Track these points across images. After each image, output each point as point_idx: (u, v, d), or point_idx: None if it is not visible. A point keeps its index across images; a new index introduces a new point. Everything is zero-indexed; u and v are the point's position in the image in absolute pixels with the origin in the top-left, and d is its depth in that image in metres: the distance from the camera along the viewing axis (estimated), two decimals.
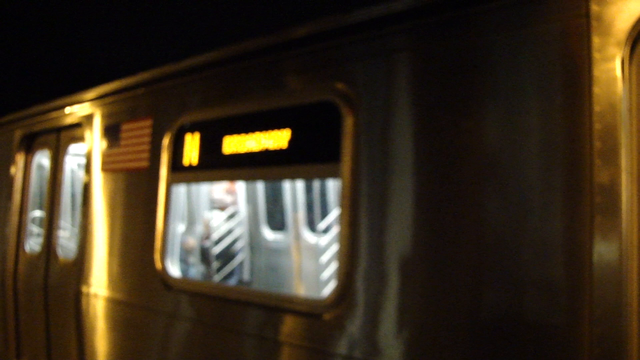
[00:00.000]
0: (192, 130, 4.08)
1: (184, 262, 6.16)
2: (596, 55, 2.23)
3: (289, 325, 3.26)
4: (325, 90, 3.21)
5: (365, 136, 2.99)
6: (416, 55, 2.88)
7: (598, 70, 2.22)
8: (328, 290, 3.17)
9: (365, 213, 2.94)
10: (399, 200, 2.82)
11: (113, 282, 4.67)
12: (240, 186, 7.19)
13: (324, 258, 6.18)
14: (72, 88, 5.89)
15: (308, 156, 3.35)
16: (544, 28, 2.41)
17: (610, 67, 2.19)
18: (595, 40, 2.24)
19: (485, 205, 2.52)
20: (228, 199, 6.87)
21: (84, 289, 4.96)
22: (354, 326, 2.91)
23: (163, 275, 4.09)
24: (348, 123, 3.05)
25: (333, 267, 6.07)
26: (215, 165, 3.91)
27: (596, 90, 2.21)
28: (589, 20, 2.27)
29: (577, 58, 2.30)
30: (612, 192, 2.15)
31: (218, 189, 6.82)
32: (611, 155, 2.16)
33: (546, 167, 2.36)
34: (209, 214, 6.89)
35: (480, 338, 2.49)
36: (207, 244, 6.71)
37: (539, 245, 2.34)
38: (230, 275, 6.81)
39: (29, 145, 6.54)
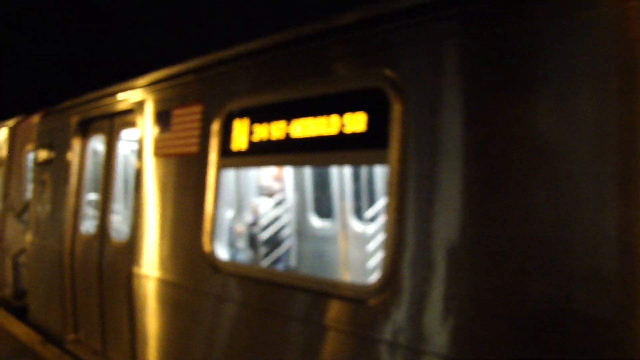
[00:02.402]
0: (240, 116, 4.13)
1: (232, 247, 6.26)
2: None
3: (334, 309, 3.28)
4: (374, 77, 3.19)
5: (413, 123, 2.96)
6: (465, 41, 2.83)
7: None
8: (374, 278, 3.17)
9: (413, 200, 2.92)
10: (446, 187, 2.78)
11: (163, 264, 4.80)
12: (288, 174, 7.25)
13: (371, 246, 6.18)
14: (127, 75, 6.06)
15: (355, 142, 3.34)
16: (599, 12, 2.33)
17: None
18: None
19: (536, 194, 2.47)
20: (276, 185, 6.93)
21: (135, 269, 5.11)
22: (399, 313, 2.91)
23: (211, 257, 4.18)
24: (396, 110, 3.02)
25: (379, 255, 6.07)
26: (263, 150, 3.95)
27: None
28: None
29: (633, 43, 2.22)
30: None
31: (266, 176, 6.89)
32: None
33: (599, 156, 2.29)
34: (257, 201, 6.97)
35: (527, 330, 2.45)
36: (255, 230, 6.80)
37: (591, 236, 2.28)
38: (277, 261, 6.88)
39: (85, 131, 6.75)
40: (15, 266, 9.15)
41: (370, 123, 3.26)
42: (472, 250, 2.67)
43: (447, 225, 2.77)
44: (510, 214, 2.54)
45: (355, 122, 3.32)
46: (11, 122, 9.90)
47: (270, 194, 6.93)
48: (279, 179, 6.99)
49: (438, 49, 2.91)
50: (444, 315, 2.74)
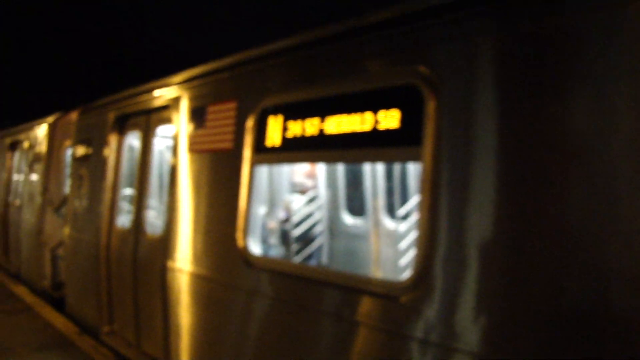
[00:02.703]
0: (275, 112, 4.15)
1: (264, 243, 6.30)
2: None
3: (366, 306, 3.28)
4: (408, 74, 3.18)
5: (447, 120, 2.94)
6: (501, 37, 2.80)
7: None
8: (406, 275, 3.16)
9: (446, 197, 2.90)
10: (480, 185, 2.76)
11: (196, 258, 4.86)
12: (320, 171, 7.26)
13: (403, 245, 6.15)
14: (162, 73, 6.15)
15: (389, 139, 3.33)
16: None
17: None
18: None
19: (572, 193, 2.43)
20: (308, 182, 6.95)
21: (169, 263, 5.19)
22: (431, 310, 2.89)
23: (244, 252, 4.22)
24: (430, 106, 3.01)
25: (411, 254, 6.04)
26: (297, 147, 3.97)
27: None
28: None
29: None
30: None
31: (299, 173, 6.92)
32: None
33: (638, 154, 2.25)
34: (290, 197, 7.01)
35: (561, 330, 2.41)
36: (287, 226, 6.83)
37: (628, 235, 2.23)
38: (308, 258, 6.90)
39: (121, 127, 6.88)
40: (54, 259, 9.39)
41: (404, 120, 3.25)
42: (505, 248, 2.64)
43: (480, 222, 2.74)
44: (545, 212, 2.50)
45: (389, 118, 3.32)
46: (50, 119, 10.14)
47: (302, 191, 6.95)
48: (311, 176, 7.01)
49: (473, 46, 2.89)
50: (477, 314, 2.72)
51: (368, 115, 3.43)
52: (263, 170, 4.47)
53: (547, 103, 2.53)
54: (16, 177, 12.04)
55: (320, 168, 7.22)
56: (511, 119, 2.69)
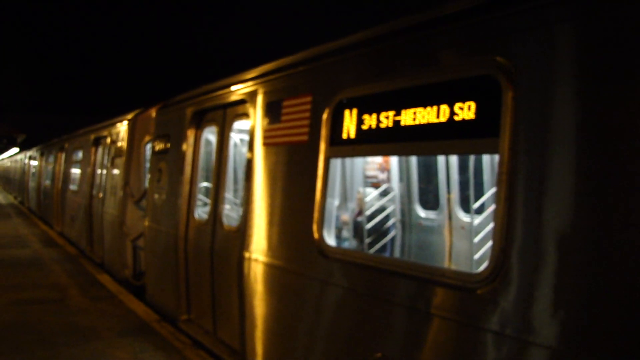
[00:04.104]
0: (350, 105, 4.18)
1: (338, 235, 6.36)
2: None
3: (441, 298, 3.27)
4: (485, 64, 3.13)
5: (525, 110, 2.88)
6: (580, 25, 2.71)
7: None
8: (483, 268, 3.12)
9: (523, 189, 2.85)
10: (558, 176, 2.69)
11: (272, 249, 4.97)
12: (393, 164, 7.25)
13: (477, 239, 6.06)
14: (238, 68, 6.31)
15: (465, 131, 3.30)
16: None
17: None
18: None
19: None
20: (381, 176, 6.96)
21: (246, 254, 5.32)
22: (508, 303, 2.85)
23: (320, 244, 4.27)
24: (508, 97, 2.96)
25: (485, 248, 5.93)
26: (372, 139, 3.98)
27: None
28: None
29: None
30: None
31: (372, 166, 6.93)
32: None
33: None
34: (363, 190, 7.04)
35: None
36: (360, 219, 6.87)
37: None
38: (381, 251, 6.92)
39: (199, 122, 7.10)
40: (135, 249, 9.81)
41: (480, 111, 3.21)
42: (585, 240, 2.57)
43: (558, 215, 2.68)
44: (625, 205, 2.41)
45: (465, 110, 3.28)
46: (130, 115, 10.57)
47: (375, 184, 6.97)
48: (384, 169, 7.01)
49: (551, 35, 2.81)
50: (554, 307, 2.66)
51: (444, 107, 3.40)
52: (337, 163, 4.50)
53: (631, 93, 2.43)
54: (99, 171, 12.63)
55: (393, 161, 7.20)
56: (591, 110, 2.61)
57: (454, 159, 6.65)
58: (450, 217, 6.66)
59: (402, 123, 3.70)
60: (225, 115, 6.43)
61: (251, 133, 5.45)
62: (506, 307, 2.86)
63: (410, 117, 3.63)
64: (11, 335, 6.86)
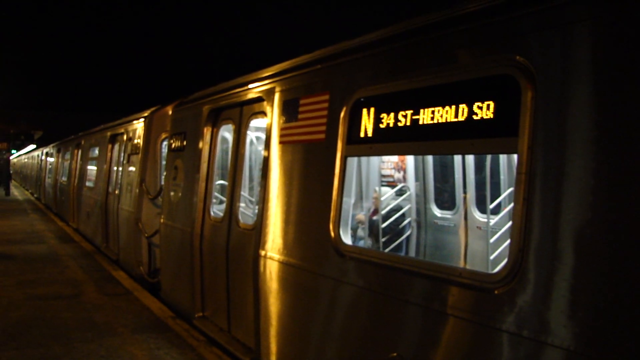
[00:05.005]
0: (367, 104, 4.16)
1: (353, 234, 6.34)
2: None
3: (457, 297, 3.25)
4: (504, 63, 3.11)
5: (544, 110, 2.86)
6: (599, 25, 2.68)
7: None
8: (500, 267, 3.10)
9: (542, 189, 2.82)
10: (577, 177, 2.67)
11: (288, 248, 4.96)
12: (409, 163, 7.22)
13: (493, 239, 6.02)
14: (256, 67, 6.31)
15: (484, 130, 3.27)
16: None
17: None
18: None
19: None
20: (397, 175, 6.94)
21: (261, 252, 5.32)
22: (526, 304, 2.83)
23: (336, 242, 4.26)
24: (527, 97, 2.94)
25: (501, 248, 5.89)
26: (389, 138, 3.96)
27: None
28: None
29: None
30: None
31: (388, 165, 6.92)
32: None
33: None
34: (379, 189, 7.02)
35: None
36: (375, 218, 6.85)
37: None
38: (396, 250, 6.89)
39: (215, 120, 7.11)
40: (150, 246, 9.87)
41: (499, 110, 3.19)
42: (603, 241, 2.54)
43: (577, 215, 2.65)
44: None
45: (484, 109, 3.25)
46: (146, 113, 10.63)
47: (391, 184, 6.95)
48: (400, 168, 6.99)
49: (571, 34, 2.78)
50: (572, 308, 2.63)
51: (462, 106, 3.38)
52: (353, 162, 4.49)
53: None
54: (115, 168, 12.72)
55: (410, 162, 7.18)
56: (611, 109, 2.58)
57: (470, 159, 6.61)
58: (466, 217, 6.62)
59: (420, 122, 3.68)
60: (242, 113, 6.43)
61: (268, 131, 5.45)
62: (524, 308, 2.84)
63: (429, 116, 3.61)
64: (27, 330, 6.93)
